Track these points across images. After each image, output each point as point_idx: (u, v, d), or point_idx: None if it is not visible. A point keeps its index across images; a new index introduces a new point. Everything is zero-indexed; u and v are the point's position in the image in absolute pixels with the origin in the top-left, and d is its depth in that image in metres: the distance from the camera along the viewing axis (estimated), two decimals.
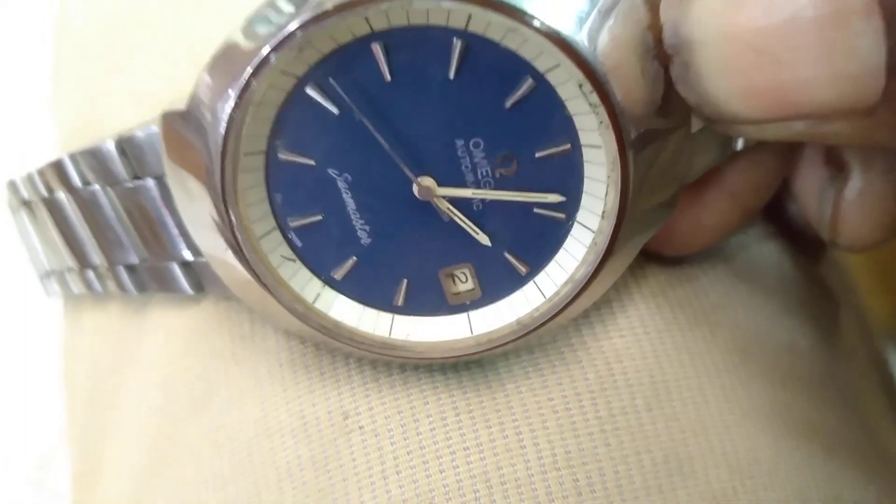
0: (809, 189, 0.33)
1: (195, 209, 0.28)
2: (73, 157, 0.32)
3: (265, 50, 0.24)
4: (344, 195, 0.27)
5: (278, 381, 0.30)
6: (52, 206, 0.33)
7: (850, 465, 0.32)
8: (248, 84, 0.25)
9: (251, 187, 0.27)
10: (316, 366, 0.30)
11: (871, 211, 0.31)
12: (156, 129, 0.29)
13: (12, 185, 0.35)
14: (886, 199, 0.31)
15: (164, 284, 0.31)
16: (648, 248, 0.32)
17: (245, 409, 0.30)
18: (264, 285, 0.27)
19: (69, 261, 0.33)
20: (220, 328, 0.32)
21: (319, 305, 0.28)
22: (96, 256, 0.33)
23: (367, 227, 0.27)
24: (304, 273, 0.28)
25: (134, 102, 0.35)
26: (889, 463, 0.35)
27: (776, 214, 0.36)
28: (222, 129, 0.25)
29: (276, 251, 0.28)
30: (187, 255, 0.30)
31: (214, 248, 0.28)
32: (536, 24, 0.24)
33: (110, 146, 0.31)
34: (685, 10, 0.22)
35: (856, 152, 0.31)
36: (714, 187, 0.31)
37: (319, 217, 0.27)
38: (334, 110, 0.26)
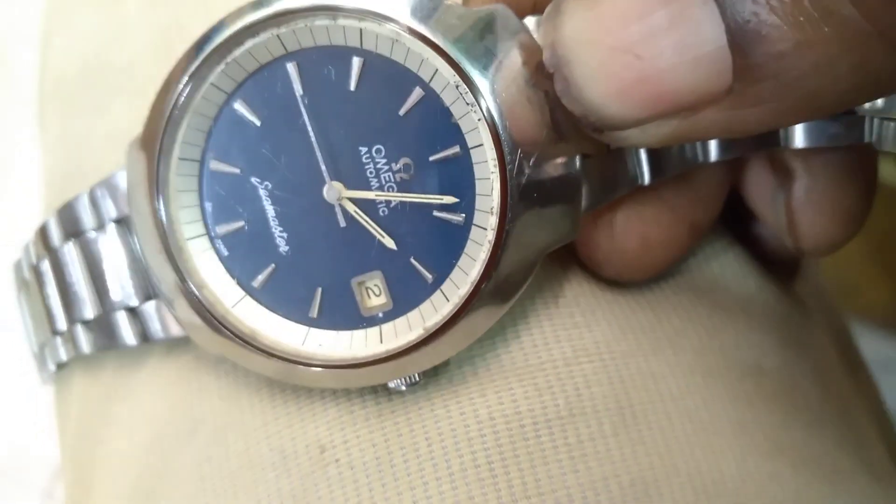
0: (762, 199, 0.34)
1: (142, 222, 0.31)
2: (56, 214, 0.34)
3: (196, 63, 0.29)
4: (265, 203, 0.30)
5: (259, 414, 0.32)
6: (38, 275, 0.35)
7: (819, 480, 0.32)
8: (181, 91, 0.29)
9: (185, 191, 0.30)
10: (294, 400, 0.31)
11: (822, 207, 0.33)
12: (121, 170, 0.32)
13: (17, 266, 0.37)
14: (834, 193, 0.33)
15: (111, 339, 0.33)
16: (609, 275, 0.33)
17: (228, 443, 0.32)
18: (190, 289, 0.30)
19: (45, 333, 0.35)
20: (207, 366, 0.33)
21: (238, 312, 0.30)
22: (61, 320, 0.34)
23: (284, 235, 0.30)
24: (227, 279, 0.30)
25: (115, 144, 0.36)
26: (871, 471, 0.35)
27: (746, 238, 0.37)
28: (161, 131, 0.29)
29: (204, 255, 0.30)
30: (134, 301, 0.33)
31: (152, 252, 0.30)
32: (411, 30, 0.28)
33: (83, 197, 0.33)
34: (558, 31, 0.25)
35: (795, 154, 0.32)
36: (653, 204, 0.32)
37: (242, 223, 0.30)
38: (257, 122, 0.30)
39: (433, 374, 0.31)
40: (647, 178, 0.31)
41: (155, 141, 0.30)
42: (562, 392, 0.30)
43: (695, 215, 0.33)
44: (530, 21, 0.28)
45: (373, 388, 0.31)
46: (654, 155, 0.31)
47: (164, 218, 0.30)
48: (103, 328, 0.33)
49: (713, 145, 0.32)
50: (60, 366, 0.36)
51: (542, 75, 0.26)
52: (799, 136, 0.31)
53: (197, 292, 0.30)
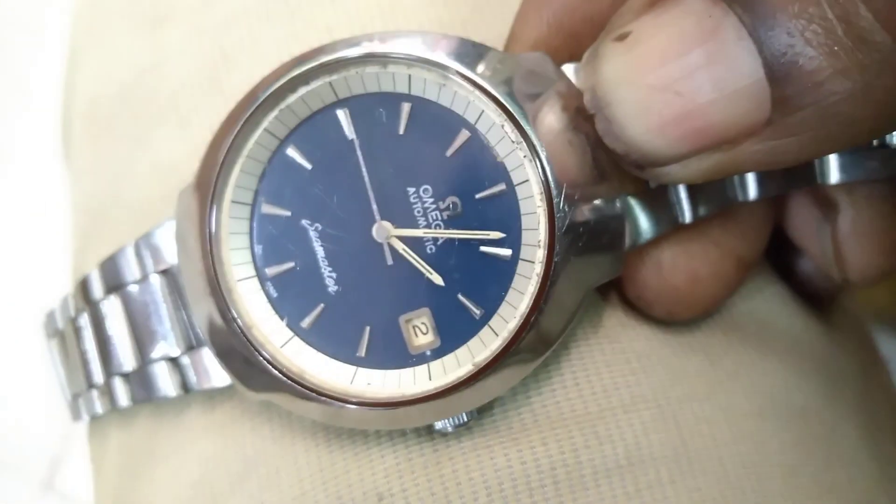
0: (806, 233, 0.35)
1: (190, 266, 0.31)
2: (98, 268, 0.34)
3: (250, 110, 0.30)
4: (314, 244, 0.30)
5: (315, 459, 0.31)
6: (76, 328, 0.35)
7: None
8: (235, 137, 0.30)
9: (237, 234, 0.31)
10: (350, 445, 0.31)
11: (868, 238, 0.33)
12: (168, 220, 0.32)
13: (50, 316, 0.37)
14: (879, 223, 0.33)
15: (150, 391, 0.33)
16: (661, 314, 0.33)
17: (282, 487, 0.32)
18: (239, 328, 0.30)
19: (80, 384, 0.35)
20: (257, 409, 0.33)
21: (286, 352, 0.30)
22: (98, 373, 0.34)
23: (333, 275, 0.30)
24: (276, 320, 0.31)
25: (159, 174, 0.36)
26: None
27: (787, 271, 0.37)
28: (215, 175, 0.30)
29: (253, 296, 0.31)
30: (175, 351, 0.33)
31: (199, 295, 0.31)
32: (458, 74, 0.29)
33: (127, 250, 0.33)
34: (597, 74, 0.25)
35: (839, 187, 0.33)
36: (698, 240, 0.32)
37: (292, 264, 0.31)
38: (308, 166, 0.30)
39: (486, 413, 0.31)
40: (687, 217, 0.32)
41: (208, 185, 0.30)
42: (621, 440, 0.30)
43: (741, 250, 0.33)
44: (568, 68, 0.29)
45: (430, 435, 0.31)
46: (693, 193, 0.32)
47: (214, 260, 0.30)
48: (142, 380, 0.33)
49: (751, 183, 0.32)
50: (95, 417, 0.36)
51: (582, 118, 0.27)
52: (834, 171, 0.32)
53: (246, 333, 0.30)
